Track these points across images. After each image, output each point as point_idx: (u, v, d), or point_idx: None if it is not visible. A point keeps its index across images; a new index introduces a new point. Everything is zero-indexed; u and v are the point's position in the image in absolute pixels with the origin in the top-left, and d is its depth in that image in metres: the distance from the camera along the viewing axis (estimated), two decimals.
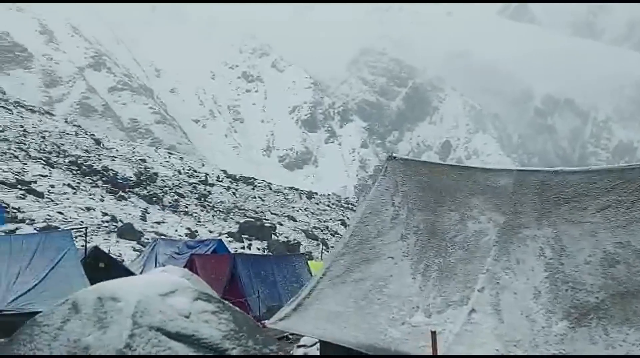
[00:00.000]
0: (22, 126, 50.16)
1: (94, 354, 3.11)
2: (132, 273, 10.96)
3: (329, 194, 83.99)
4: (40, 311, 9.00)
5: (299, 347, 6.48)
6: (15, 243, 9.76)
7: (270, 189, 69.04)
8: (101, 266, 10.05)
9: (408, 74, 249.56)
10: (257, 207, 58.90)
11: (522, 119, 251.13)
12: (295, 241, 46.56)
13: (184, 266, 11.40)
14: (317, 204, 70.26)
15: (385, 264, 5.26)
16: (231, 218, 50.77)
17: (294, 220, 57.54)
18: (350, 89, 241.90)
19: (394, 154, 6.02)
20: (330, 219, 63.94)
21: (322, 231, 56.83)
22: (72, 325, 3.42)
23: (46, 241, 9.94)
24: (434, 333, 4.16)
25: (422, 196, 5.60)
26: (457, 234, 5.20)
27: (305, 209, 65.17)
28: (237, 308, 3.86)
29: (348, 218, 67.16)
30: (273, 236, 46.79)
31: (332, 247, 51.75)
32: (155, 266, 13.15)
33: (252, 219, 50.28)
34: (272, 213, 58.01)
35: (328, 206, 71.37)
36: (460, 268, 4.90)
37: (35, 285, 9.17)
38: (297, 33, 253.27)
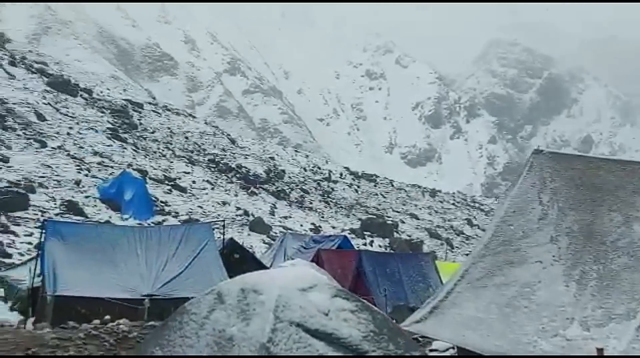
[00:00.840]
0: (169, 128, 55.07)
1: (238, 346, 3.14)
2: (263, 265, 11.43)
3: (453, 193, 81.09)
4: (184, 297, 9.84)
5: (431, 350, 6.16)
6: (164, 233, 10.57)
7: (393, 186, 68.42)
8: (236, 257, 10.62)
9: (542, 64, 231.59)
10: (379, 204, 58.67)
11: None
12: (418, 240, 45.61)
13: (311, 260, 11.59)
14: (441, 202, 68.18)
15: (532, 268, 4.75)
16: (353, 214, 50.92)
17: (417, 218, 56.41)
18: (478, 83, 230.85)
19: (541, 148, 5.44)
20: (455, 218, 61.71)
21: (446, 230, 55.03)
22: (217, 315, 3.50)
23: (189, 232, 10.64)
24: (600, 350, 3.63)
25: (575, 194, 4.98)
26: (620, 238, 4.53)
27: (428, 207, 63.61)
28: (375, 308, 3.69)
29: (475, 217, 64.23)
30: (395, 233, 46.37)
31: (458, 247, 49.99)
32: (284, 259, 13.60)
33: (374, 216, 50.00)
34: (394, 211, 57.42)
35: (453, 204, 68.91)
36: (625, 277, 4.25)
37: (180, 273, 9.85)
38: (421, 28, 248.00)
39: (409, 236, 47.12)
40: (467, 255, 46.56)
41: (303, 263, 10.31)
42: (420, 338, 7.17)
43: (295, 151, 76.61)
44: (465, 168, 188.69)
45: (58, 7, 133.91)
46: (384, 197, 61.85)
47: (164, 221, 28.25)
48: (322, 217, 46.46)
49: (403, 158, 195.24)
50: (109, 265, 9.64)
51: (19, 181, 26.55)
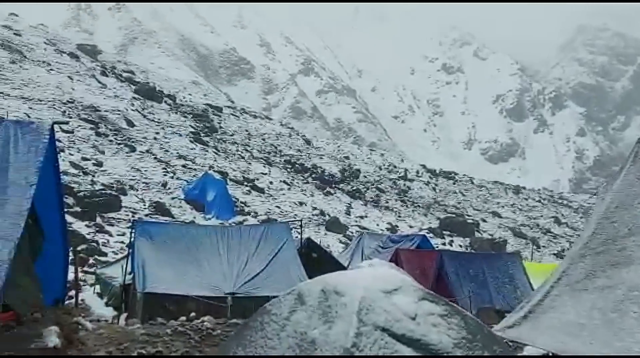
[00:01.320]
0: (247, 130, 56.61)
1: (321, 350, 3.04)
2: (341, 265, 11.35)
3: (539, 189, 77.03)
4: (265, 296, 9.97)
5: None
6: (244, 233, 10.84)
7: (472, 183, 66.13)
8: (314, 257, 10.66)
9: (636, 49, 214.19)
10: (459, 202, 57.00)
11: None
12: (501, 239, 43.76)
13: (389, 260, 11.34)
14: (526, 199, 64.98)
15: None
16: (431, 213, 49.88)
17: (499, 216, 54.18)
18: (564, 72, 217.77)
19: None
20: (542, 216, 58.64)
21: (531, 229, 52.45)
22: (298, 317, 3.43)
23: (268, 232, 10.83)
24: None
25: None
26: None
27: (511, 205, 60.88)
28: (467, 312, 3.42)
29: (563, 215, 60.68)
30: (476, 233, 44.86)
31: (544, 246, 47.39)
32: (362, 259, 13.44)
33: (454, 215, 48.61)
34: (474, 209, 55.59)
35: (539, 201, 65.46)
36: None
37: (260, 271, 10.02)
38: (501, 18, 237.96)
39: (491, 235, 45.39)
40: (554, 254, 44.12)
41: (381, 263, 10.12)
42: (509, 343, 6.75)
43: (370, 149, 76.03)
44: (551, 163, 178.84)
45: (143, 18, 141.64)
46: (464, 195, 59.97)
47: (244, 221, 28.92)
48: (399, 216, 45.86)
49: (483, 154, 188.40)
50: (194, 264, 9.95)
51: (111, 183, 28.35)
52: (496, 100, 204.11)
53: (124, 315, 9.92)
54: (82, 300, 10.31)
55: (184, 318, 7.75)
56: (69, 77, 44.86)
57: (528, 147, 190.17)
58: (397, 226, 41.18)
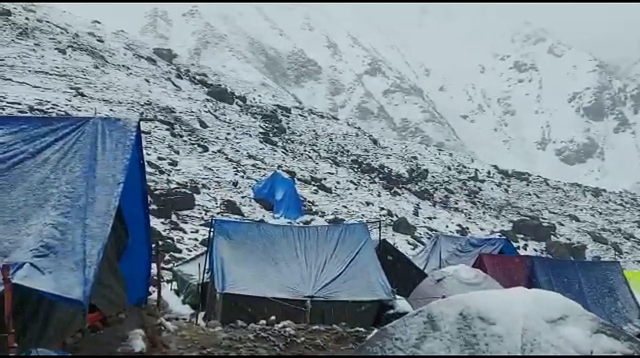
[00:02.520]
0: (314, 131, 56.88)
1: None
2: (419, 270, 10.94)
3: (620, 192, 72.21)
4: (344, 301, 9.71)
5: None
6: (321, 233, 10.49)
7: (548, 185, 63.09)
8: (389, 259, 10.29)
9: None
10: (533, 205, 54.70)
11: None
12: (580, 244, 41.43)
13: (473, 266, 10.77)
14: (606, 202, 61.13)
15: None
16: (503, 215, 48.33)
17: (577, 220, 51.33)
18: None
19: None
20: (624, 220, 54.95)
21: (612, 233, 49.27)
22: (432, 346, 2.86)
23: (346, 232, 10.47)
24: None
25: None
26: None
27: (591, 208, 57.47)
28: None
29: None
30: (552, 236, 42.79)
31: (627, 253, 44.17)
32: (440, 263, 12.89)
33: (527, 218, 46.84)
34: (550, 212, 53.06)
35: (620, 205, 61.37)
36: None
37: (339, 274, 9.65)
38: (577, 12, 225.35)
39: (569, 239, 43.16)
40: (639, 261, 41.10)
41: (468, 269, 9.63)
42: None
43: (438, 149, 74.32)
44: (634, 164, 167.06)
45: (215, 23, 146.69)
46: (538, 197, 57.47)
47: (311, 220, 28.93)
48: (469, 218, 44.62)
49: (558, 155, 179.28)
50: (271, 264, 9.76)
51: (185, 182, 29.27)
52: (572, 98, 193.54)
53: (202, 313, 9.93)
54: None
55: (264, 321, 7.61)
56: (146, 80, 46.92)
57: (608, 147, 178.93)
58: (468, 228, 40.11)
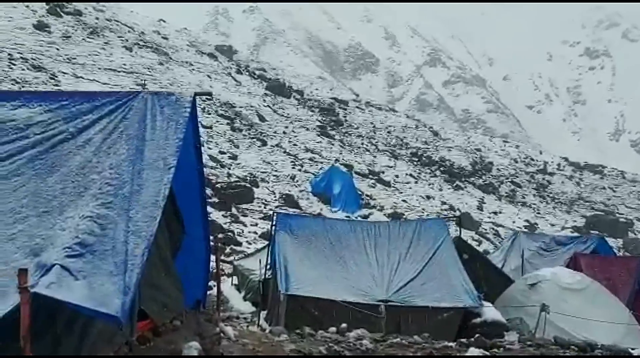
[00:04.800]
0: (372, 123, 56.05)
1: None
2: (498, 269, 9.91)
3: None
4: (423, 306, 8.82)
5: None
6: (393, 229, 9.51)
7: (624, 178, 59.43)
8: (464, 258, 9.31)
9: None
10: (608, 199, 52.02)
11: None
12: None
13: (566, 266, 9.61)
14: None
15: None
16: (575, 210, 46.41)
17: None
18: None
19: None
20: None
21: None
22: None
23: (422, 229, 9.45)
24: None
25: None
26: None
27: None
28: None
29: None
30: (629, 233, 40.20)
31: None
32: (522, 263, 11.73)
33: (602, 213, 44.57)
34: (627, 207, 50.29)
35: None
36: None
37: (415, 276, 8.65)
38: None
39: None
40: None
41: (566, 271, 8.55)
42: None
43: (504, 141, 71.50)
44: None
45: (274, 19, 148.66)
46: (614, 191, 54.42)
47: (369, 214, 28.38)
48: (538, 213, 43.33)
49: (634, 146, 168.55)
50: (339, 263, 8.90)
51: (245, 176, 29.36)
52: None
53: (263, 313, 9.28)
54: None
55: (334, 329, 6.83)
56: (207, 76, 47.82)
57: None
58: (536, 224, 38.69)
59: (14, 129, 4.21)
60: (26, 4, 41.90)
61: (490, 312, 8.11)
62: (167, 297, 4.85)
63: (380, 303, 8.17)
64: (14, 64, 31.46)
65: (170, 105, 4.48)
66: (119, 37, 46.42)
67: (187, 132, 4.55)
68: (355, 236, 9.33)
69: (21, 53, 33.84)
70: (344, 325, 7.21)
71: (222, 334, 4.88)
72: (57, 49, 37.72)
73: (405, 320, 7.93)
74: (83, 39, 42.21)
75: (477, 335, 6.95)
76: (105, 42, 43.79)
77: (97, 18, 47.82)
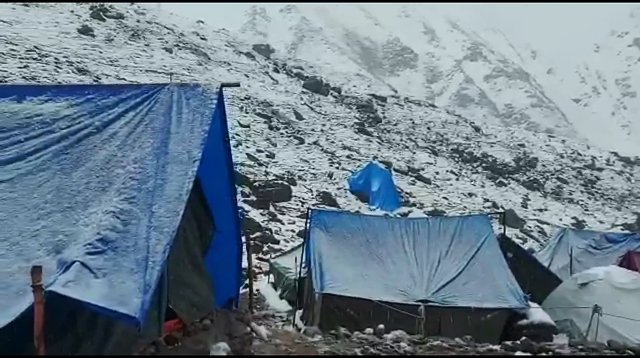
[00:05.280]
0: (411, 119, 55.32)
1: None
2: (542, 266, 9.42)
3: None
4: (465, 307, 8.45)
5: None
6: (433, 226, 9.08)
7: None
8: (509, 256, 8.85)
9: None
10: None
11: None
12: None
13: (619, 264, 9.05)
14: None
15: None
16: (626, 207, 45.05)
17: None
18: None
19: None
20: None
21: None
22: None
23: (463, 225, 9.02)
24: None
25: None
26: None
27: None
28: None
29: None
30: None
31: None
32: (571, 261, 11.15)
33: None
34: None
35: None
36: None
37: (457, 275, 8.21)
38: None
39: None
40: None
41: (620, 271, 8.03)
42: None
43: (549, 136, 69.37)
44: None
45: (311, 17, 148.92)
46: None
47: (409, 212, 27.98)
48: (586, 210, 42.17)
49: None
50: (376, 261, 8.53)
51: (282, 174, 29.39)
52: None
53: (299, 312, 9.11)
54: (256, 290, 10.03)
55: (370, 330, 6.58)
56: (245, 75, 48.19)
57: None
58: (584, 221, 37.39)
59: (41, 123, 4.18)
60: (71, 9, 43.28)
61: (538, 313, 7.65)
62: (196, 296, 4.71)
63: (420, 304, 7.81)
64: (60, 68, 32.51)
65: (197, 97, 4.35)
66: (159, 39, 47.38)
67: (214, 125, 4.42)
68: (392, 233, 8.98)
69: (67, 57, 34.95)
70: (381, 326, 6.94)
71: (253, 334, 4.74)
72: (100, 52, 38.80)
73: (446, 321, 7.57)
74: (125, 41, 43.28)
75: (523, 338, 6.57)
76: (146, 44, 44.76)
77: (138, 21, 48.97)
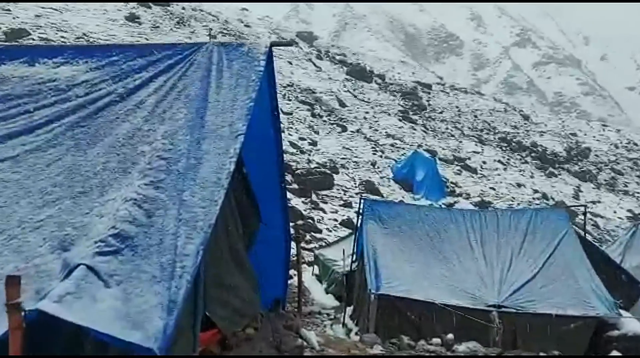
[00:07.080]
0: (457, 107, 53.88)
1: None
2: (623, 270, 8.42)
3: None
4: (546, 314, 7.54)
5: None
6: (503, 219, 8.07)
7: None
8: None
9: None
10: None
11: None
12: None
13: None
14: None
15: None
16: None
17: None
18: None
19: None
20: None
21: None
22: None
23: (538, 219, 8.00)
24: None
25: None
26: None
27: None
28: None
29: None
30: None
31: None
32: None
33: None
34: None
35: None
36: None
37: (533, 276, 7.21)
38: None
39: None
40: None
41: None
42: None
43: (603, 125, 66.36)
44: None
45: (354, 4, 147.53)
46: None
47: (455, 202, 27.12)
48: None
49: None
50: (439, 259, 7.64)
51: (325, 162, 28.87)
52: None
53: (349, 309, 8.30)
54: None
55: (438, 340, 5.88)
56: (289, 62, 47.87)
57: None
58: None
59: (54, 90, 3.49)
60: None
61: (631, 324, 6.69)
62: (239, 300, 3.99)
63: (492, 309, 6.84)
64: None
65: (241, 58, 3.55)
66: (203, 26, 47.53)
67: (262, 93, 3.61)
68: (456, 227, 8.04)
69: None
70: (450, 335, 6.14)
71: (304, 343, 4.13)
72: (147, 40, 39.14)
73: (522, 329, 6.60)
74: (171, 29, 43.58)
75: (613, 352, 5.73)
76: (191, 32, 44.97)
77: (183, 8, 49.24)
